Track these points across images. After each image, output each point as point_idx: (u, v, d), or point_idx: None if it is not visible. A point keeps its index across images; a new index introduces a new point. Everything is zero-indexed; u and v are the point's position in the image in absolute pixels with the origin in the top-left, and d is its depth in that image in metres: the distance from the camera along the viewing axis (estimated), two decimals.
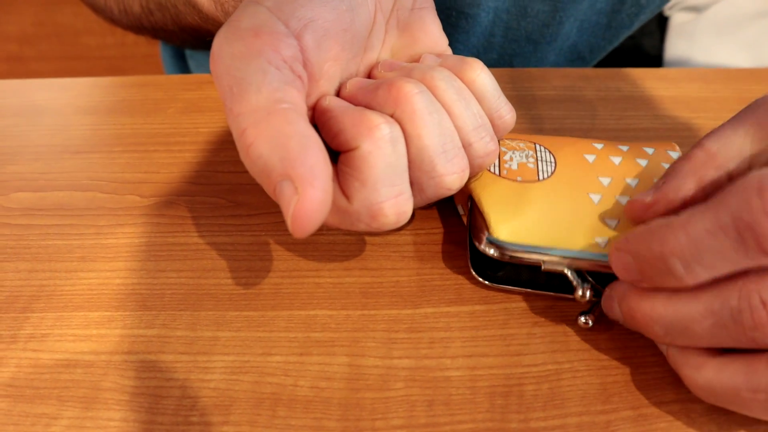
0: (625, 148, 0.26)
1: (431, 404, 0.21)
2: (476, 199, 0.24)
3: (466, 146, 0.22)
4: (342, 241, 0.26)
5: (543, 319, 0.23)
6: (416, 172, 0.21)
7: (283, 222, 0.27)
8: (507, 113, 0.24)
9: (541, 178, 0.24)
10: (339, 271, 0.25)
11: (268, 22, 0.19)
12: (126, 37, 0.41)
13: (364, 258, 0.25)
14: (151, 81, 0.35)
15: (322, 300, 0.24)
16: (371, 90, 0.22)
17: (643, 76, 0.35)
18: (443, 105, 0.22)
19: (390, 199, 0.20)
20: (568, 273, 0.22)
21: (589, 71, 0.36)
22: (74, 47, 1.15)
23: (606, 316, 0.23)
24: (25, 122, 0.33)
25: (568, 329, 0.23)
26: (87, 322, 0.23)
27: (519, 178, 0.24)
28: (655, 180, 0.24)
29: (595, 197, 0.24)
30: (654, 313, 0.19)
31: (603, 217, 0.23)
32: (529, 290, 0.24)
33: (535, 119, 0.32)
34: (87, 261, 0.25)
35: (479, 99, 0.23)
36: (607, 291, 0.21)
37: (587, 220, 0.23)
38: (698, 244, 0.17)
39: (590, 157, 0.25)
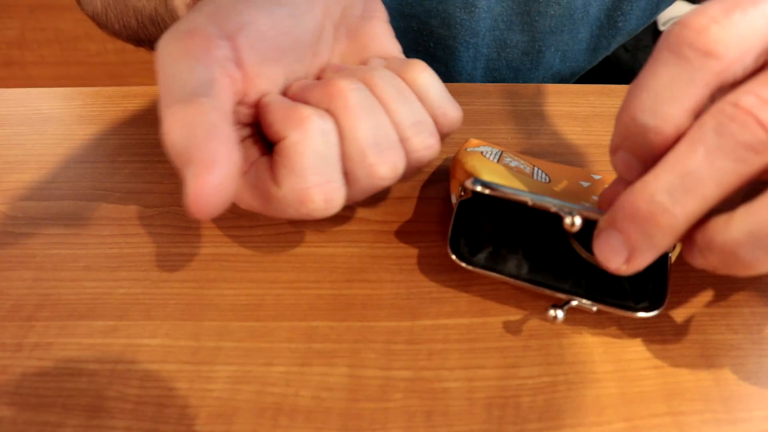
0: None
1: (429, 415, 0.21)
2: (468, 169, 0.25)
3: (404, 140, 0.23)
4: (343, 253, 0.27)
5: (538, 332, 0.24)
6: (348, 163, 0.22)
7: (285, 233, 0.27)
8: (451, 111, 0.25)
9: (534, 178, 0.25)
10: (340, 283, 0.25)
11: (202, 25, 0.21)
12: (126, 44, 0.42)
13: (365, 270, 0.26)
14: (156, 91, 0.36)
15: (323, 311, 0.24)
16: (311, 88, 0.23)
17: None
18: (381, 102, 0.23)
19: (317, 186, 0.21)
20: (555, 208, 0.21)
21: (585, 88, 0.36)
22: (74, 53, 1.15)
23: (587, 321, 0.24)
24: (30, 131, 0.33)
25: (563, 342, 0.24)
26: (91, 331, 0.24)
27: (514, 170, 0.26)
28: None
29: (586, 205, 0.24)
30: (650, 187, 0.18)
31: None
32: (506, 278, 0.23)
33: (532, 135, 0.33)
34: (91, 270, 0.26)
35: (422, 97, 0.24)
36: (597, 230, 0.20)
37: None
38: (654, 89, 0.18)
39: (585, 183, 0.26)
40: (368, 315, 0.24)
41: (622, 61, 0.50)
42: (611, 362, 0.23)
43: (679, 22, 0.18)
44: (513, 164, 0.26)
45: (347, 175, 0.22)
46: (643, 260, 0.19)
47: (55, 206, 0.29)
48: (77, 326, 0.24)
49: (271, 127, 0.22)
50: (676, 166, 0.17)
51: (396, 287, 0.25)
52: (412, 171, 0.24)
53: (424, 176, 0.30)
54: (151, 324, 0.24)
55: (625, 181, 0.20)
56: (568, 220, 0.21)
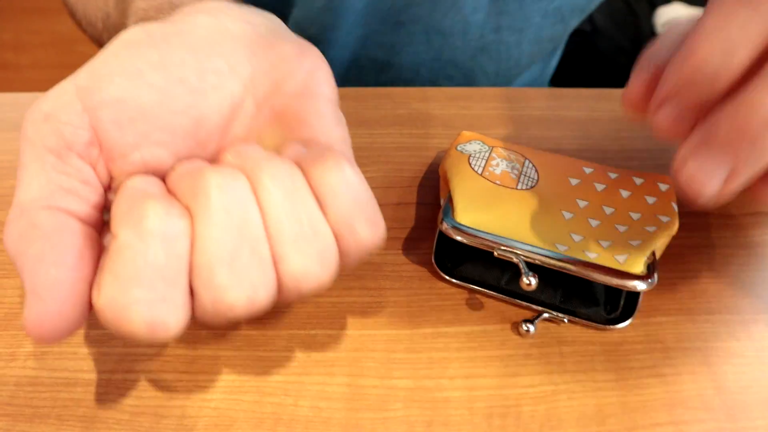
0: (614, 175, 0.27)
1: (430, 424, 0.21)
2: (451, 188, 0.25)
3: (277, 259, 0.18)
4: None
5: (540, 341, 0.24)
6: (194, 280, 0.17)
7: None
8: (364, 229, 0.19)
9: (519, 187, 0.25)
10: (339, 291, 0.25)
11: (63, 105, 0.19)
12: None
13: (364, 278, 0.26)
14: None
15: (322, 319, 0.24)
16: (182, 177, 0.19)
17: None
18: (260, 205, 0.18)
19: (140, 304, 0.16)
20: (518, 261, 0.23)
21: (583, 92, 0.36)
22: (70, 55, 1.15)
23: (578, 334, 0.24)
24: None
25: (564, 350, 0.23)
26: (87, 341, 0.23)
27: (498, 182, 0.26)
28: (631, 213, 0.25)
29: (567, 215, 0.25)
30: (766, 106, 0.18)
31: (569, 231, 0.24)
32: (486, 291, 0.25)
33: (530, 140, 0.33)
34: None
35: (325, 205, 0.19)
36: (681, 159, 0.19)
37: (553, 228, 0.24)
38: (727, 33, 0.18)
39: (574, 180, 0.26)
40: (368, 323, 0.24)
41: (619, 65, 0.50)
42: (613, 371, 0.23)
43: None
44: (499, 170, 0.26)
45: (193, 295, 0.18)
46: (740, 181, 0.18)
47: None
48: (73, 335, 0.23)
49: (112, 221, 0.18)
50: None
51: (395, 295, 0.25)
52: (288, 299, 0.19)
53: (422, 180, 0.30)
54: None
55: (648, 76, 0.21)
56: (525, 281, 0.22)
